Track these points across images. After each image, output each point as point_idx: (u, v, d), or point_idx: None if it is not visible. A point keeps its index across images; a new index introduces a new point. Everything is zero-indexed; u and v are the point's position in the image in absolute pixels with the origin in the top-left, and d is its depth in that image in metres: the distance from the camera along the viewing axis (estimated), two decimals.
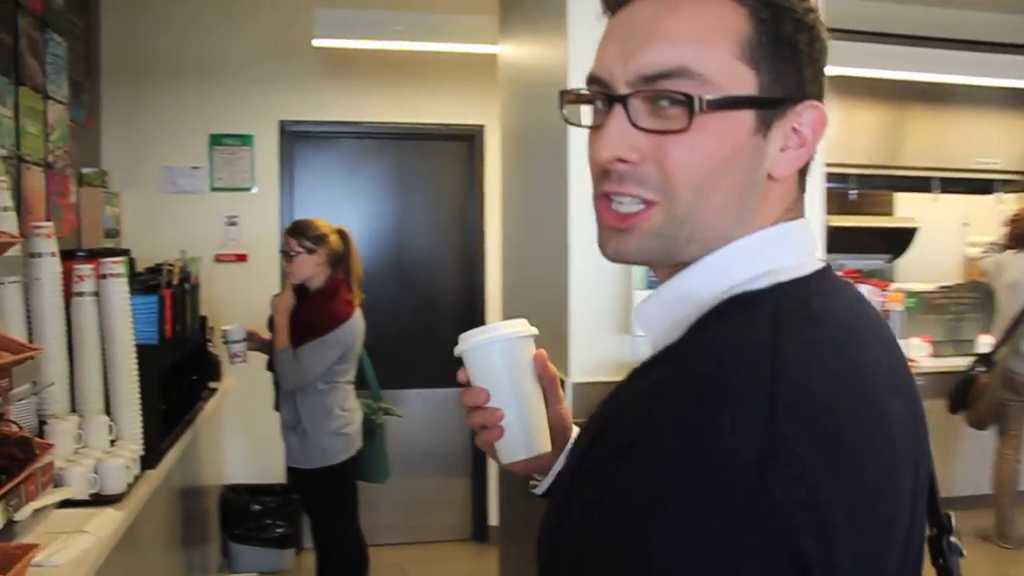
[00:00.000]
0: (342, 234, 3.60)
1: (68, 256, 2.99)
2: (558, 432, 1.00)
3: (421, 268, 4.94)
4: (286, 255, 3.53)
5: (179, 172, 4.51)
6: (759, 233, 0.75)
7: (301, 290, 3.59)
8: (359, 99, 4.66)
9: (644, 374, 0.73)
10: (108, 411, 2.72)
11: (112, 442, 2.63)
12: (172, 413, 3.16)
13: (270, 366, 3.57)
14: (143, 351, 2.80)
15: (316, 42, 4.02)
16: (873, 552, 0.64)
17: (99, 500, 2.35)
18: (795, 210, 0.78)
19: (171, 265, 3.19)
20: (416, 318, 4.91)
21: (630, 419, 0.67)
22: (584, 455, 0.72)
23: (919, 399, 0.76)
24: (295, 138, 4.69)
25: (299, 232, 3.54)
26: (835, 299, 0.74)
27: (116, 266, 2.76)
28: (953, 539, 0.80)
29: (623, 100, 0.72)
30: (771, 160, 0.74)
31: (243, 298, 4.51)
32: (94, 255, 3.05)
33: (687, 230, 0.73)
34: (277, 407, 3.64)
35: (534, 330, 0.98)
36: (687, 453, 0.61)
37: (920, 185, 5.45)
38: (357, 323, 3.55)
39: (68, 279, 2.74)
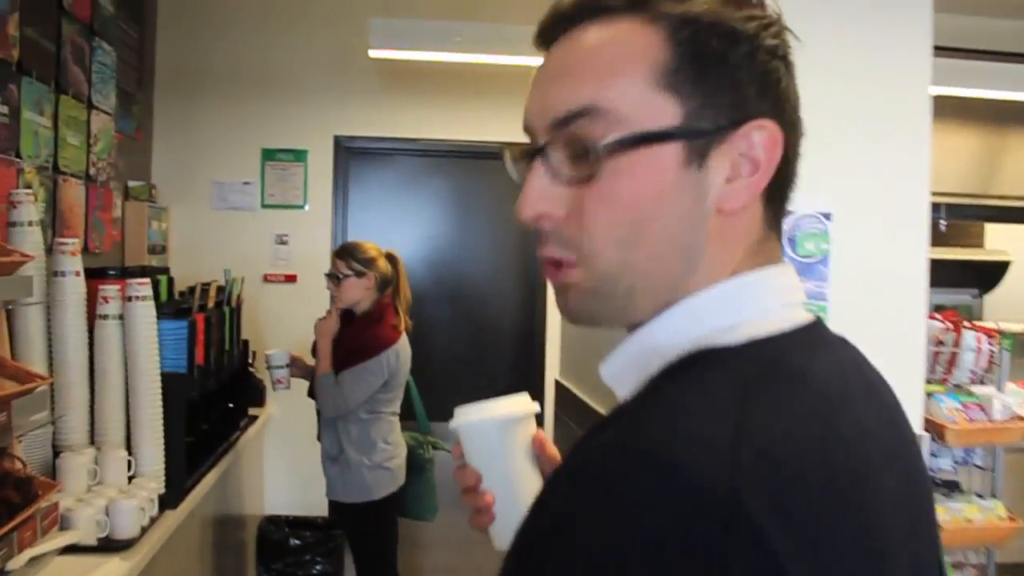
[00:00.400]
0: (392, 258, 3.41)
1: (99, 275, 2.83)
2: None
3: (479, 294, 4.69)
4: (333, 278, 3.35)
5: (230, 187, 4.35)
6: (733, 280, 0.66)
7: (347, 315, 3.39)
8: (418, 114, 4.46)
9: (599, 432, 0.60)
10: (129, 444, 2.52)
11: (131, 478, 2.42)
12: (203, 444, 2.96)
13: (311, 392, 3.38)
14: (169, 380, 2.59)
15: (373, 53, 3.81)
16: None
17: (108, 546, 2.14)
18: (766, 249, 0.68)
19: (207, 285, 2.99)
20: (471, 346, 4.66)
21: (570, 491, 0.58)
22: (526, 519, 0.62)
23: (921, 472, 0.68)
24: (350, 154, 4.50)
25: (348, 254, 3.35)
26: (819, 358, 0.64)
27: (142, 288, 2.56)
28: None
29: (542, 151, 0.66)
30: (715, 193, 0.64)
31: (291, 320, 4.33)
32: (127, 274, 2.87)
33: (624, 283, 0.65)
34: (320, 436, 3.43)
35: (535, 408, 0.92)
36: (629, 544, 0.52)
37: (1017, 216, 5.04)
38: (403, 349, 3.34)
39: (95, 300, 2.56)
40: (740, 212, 0.65)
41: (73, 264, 2.52)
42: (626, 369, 0.69)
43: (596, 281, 0.66)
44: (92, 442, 2.51)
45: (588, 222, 0.64)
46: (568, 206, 0.65)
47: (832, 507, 0.54)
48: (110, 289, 2.57)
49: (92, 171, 3.41)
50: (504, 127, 4.42)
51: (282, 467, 4.36)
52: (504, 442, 0.89)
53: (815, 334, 0.67)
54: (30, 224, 2.42)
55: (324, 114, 4.40)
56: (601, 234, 0.64)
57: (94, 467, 2.35)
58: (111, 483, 2.35)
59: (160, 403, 2.55)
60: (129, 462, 2.42)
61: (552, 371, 4.34)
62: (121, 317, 2.55)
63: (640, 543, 0.51)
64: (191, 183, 4.34)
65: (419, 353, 3.46)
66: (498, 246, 4.71)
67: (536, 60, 0.74)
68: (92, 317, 2.55)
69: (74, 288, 2.51)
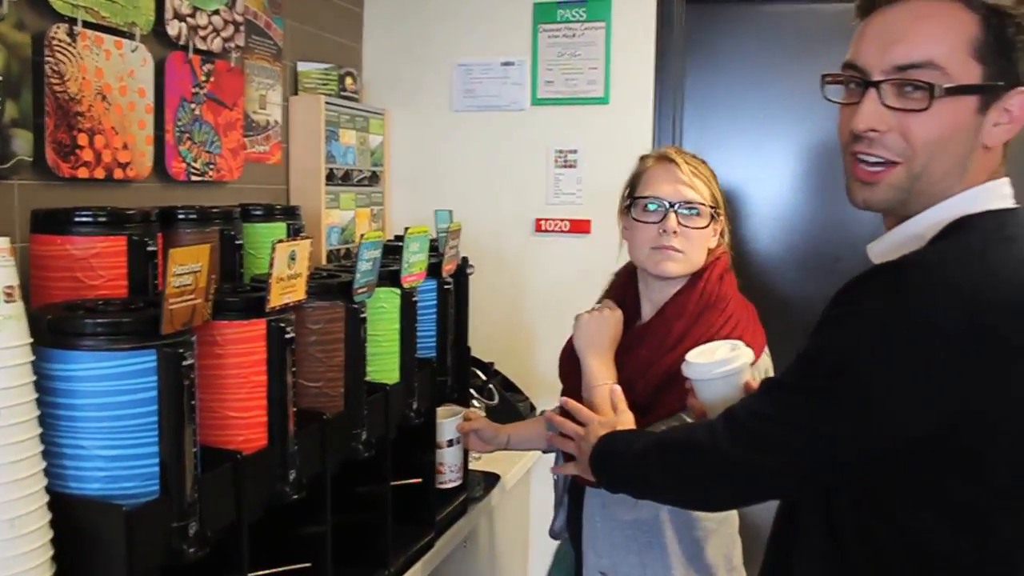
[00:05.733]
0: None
1: (51, 227, 1.26)
2: None
3: None
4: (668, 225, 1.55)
5: (482, 72, 2.61)
6: (974, 188, 0.98)
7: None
8: None
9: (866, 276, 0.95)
10: None
11: None
12: None
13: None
14: (89, 520, 0.91)
15: None
16: None
17: None
18: (999, 172, 1.01)
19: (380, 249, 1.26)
20: None
21: (834, 301, 0.95)
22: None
23: None
24: (691, 7, 2.55)
25: (704, 169, 1.60)
26: None
27: None
28: None
29: (876, 85, 0.97)
30: (986, 133, 0.97)
31: (580, 305, 2.52)
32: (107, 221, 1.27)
33: (919, 184, 0.98)
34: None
35: (750, 356, 1.27)
36: (886, 319, 0.89)
37: None
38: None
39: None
40: (995, 148, 0.99)
41: None
42: (891, 248, 1.01)
43: (907, 178, 0.98)
44: None
45: (914, 138, 0.96)
46: (889, 125, 0.97)
47: None
48: None
49: (176, 31, 1.83)
50: None
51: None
52: (731, 387, 1.22)
53: (1021, 215, 0.99)
54: None
55: None
56: (922, 146, 0.96)
57: None
58: None
59: None
60: None
61: None
62: None
63: (910, 326, 0.87)
64: (420, 69, 2.66)
65: None
66: None
67: None
68: None
69: None
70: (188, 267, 1.02)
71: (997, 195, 0.99)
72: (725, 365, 1.23)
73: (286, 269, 1.22)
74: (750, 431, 1.00)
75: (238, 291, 1.26)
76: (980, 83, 0.94)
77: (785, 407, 0.97)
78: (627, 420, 1.38)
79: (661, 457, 1.15)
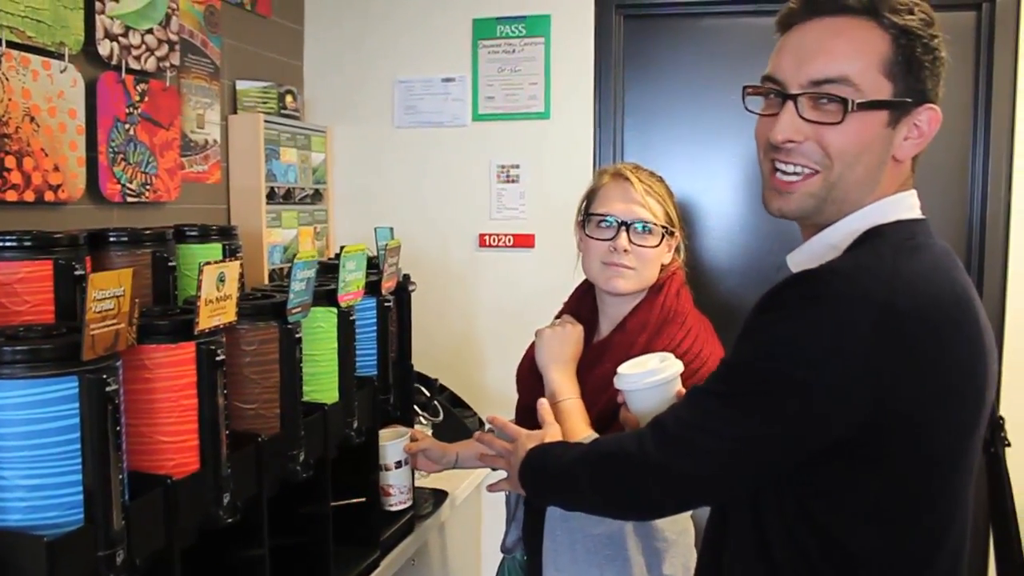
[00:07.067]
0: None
1: None
2: None
3: None
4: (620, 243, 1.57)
5: (423, 89, 2.61)
6: (884, 199, 1.04)
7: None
8: None
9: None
10: None
11: None
12: None
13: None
14: None
15: None
16: (944, 418, 0.95)
17: None
18: (907, 184, 1.07)
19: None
20: None
21: (755, 310, 0.98)
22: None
23: (988, 330, 1.01)
24: (628, 22, 2.58)
25: (659, 188, 1.62)
26: (933, 239, 1.03)
27: None
28: (1003, 434, 1.28)
29: (794, 98, 1.02)
30: (896, 146, 1.03)
31: (526, 320, 2.53)
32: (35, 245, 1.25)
33: (835, 193, 1.03)
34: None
35: (679, 368, 1.29)
36: (806, 325, 0.92)
37: None
38: None
39: None
40: (905, 161, 1.05)
41: None
42: (809, 258, 1.06)
43: (823, 186, 1.02)
44: None
45: (830, 148, 1.01)
46: (805, 135, 1.01)
47: (955, 315, 0.95)
48: None
49: (107, 51, 1.81)
50: None
51: None
52: (663, 397, 1.25)
53: (927, 225, 1.05)
54: None
55: None
56: (837, 156, 1.01)
57: None
58: None
59: None
60: None
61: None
62: None
63: (827, 332, 0.90)
64: (361, 86, 2.66)
65: None
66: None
67: None
68: None
69: None
70: (110, 291, 1.01)
71: (905, 206, 1.04)
72: (655, 375, 1.25)
73: (215, 291, 1.21)
74: (676, 438, 1.02)
75: (167, 314, 1.24)
76: (890, 99, 0.99)
77: (710, 414, 1.00)
78: (555, 432, 1.38)
79: (590, 467, 1.15)
